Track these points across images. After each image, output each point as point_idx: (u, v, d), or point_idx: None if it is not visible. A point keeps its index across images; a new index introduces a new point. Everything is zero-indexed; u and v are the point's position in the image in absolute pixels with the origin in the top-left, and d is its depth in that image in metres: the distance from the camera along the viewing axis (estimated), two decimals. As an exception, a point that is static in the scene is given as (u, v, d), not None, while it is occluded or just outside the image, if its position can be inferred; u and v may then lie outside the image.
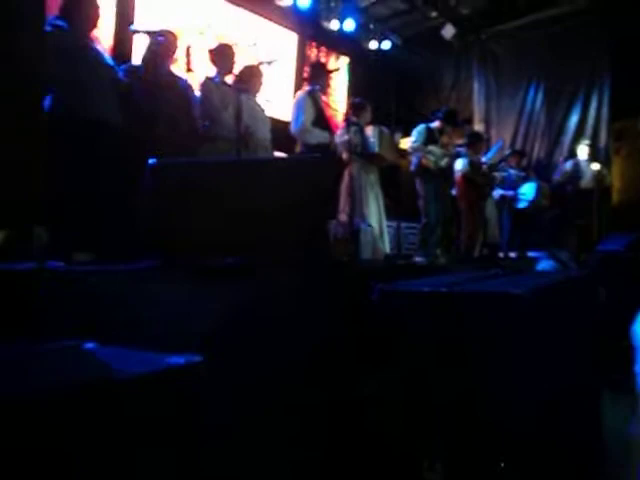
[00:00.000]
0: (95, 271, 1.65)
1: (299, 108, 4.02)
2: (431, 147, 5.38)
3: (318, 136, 4.08)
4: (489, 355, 1.58)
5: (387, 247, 5.10)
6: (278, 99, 6.92)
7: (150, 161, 1.94)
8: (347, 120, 3.93)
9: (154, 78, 3.11)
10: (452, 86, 8.55)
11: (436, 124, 5.52)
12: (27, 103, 2.66)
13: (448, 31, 7.70)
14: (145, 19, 4.94)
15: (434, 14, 7.73)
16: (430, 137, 5.41)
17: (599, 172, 6.60)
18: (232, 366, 1.38)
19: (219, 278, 1.61)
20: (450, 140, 5.73)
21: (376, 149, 4.60)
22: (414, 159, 5.46)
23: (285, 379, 1.77)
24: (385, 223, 5.17)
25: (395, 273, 3.31)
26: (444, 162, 5.41)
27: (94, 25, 3.14)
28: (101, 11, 3.13)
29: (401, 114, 8.07)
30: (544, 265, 3.90)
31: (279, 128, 4.58)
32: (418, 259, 5.53)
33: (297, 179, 1.88)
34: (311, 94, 4.09)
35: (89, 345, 1.05)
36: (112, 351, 1.00)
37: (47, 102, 2.89)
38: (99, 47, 3.23)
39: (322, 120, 4.13)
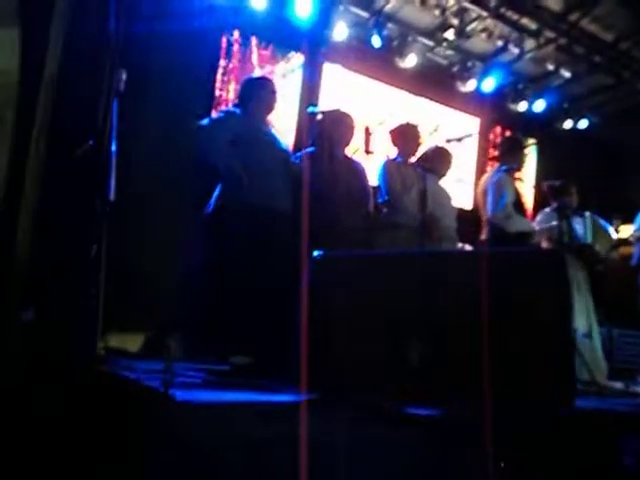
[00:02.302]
0: (227, 405, 1.21)
1: (501, 188, 3.39)
2: (661, 234, 4.29)
3: (520, 223, 3.40)
4: None
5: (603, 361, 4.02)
6: (460, 186, 6.44)
7: (314, 253, 1.52)
8: (558, 204, 3.20)
9: (328, 162, 2.84)
10: (671, 164, 7.18)
11: (668, 206, 4.43)
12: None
13: (664, 102, 6.55)
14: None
15: (645, 86, 6.68)
16: (659, 222, 4.34)
17: None
18: None
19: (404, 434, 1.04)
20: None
21: (589, 240, 3.73)
22: (637, 250, 4.40)
23: None
24: (597, 330, 4.13)
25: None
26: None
27: (270, 110, 3.01)
28: (283, 97, 3.03)
29: (605, 200, 6.93)
30: None
31: (459, 216, 4.05)
32: (643, 380, 4.31)
33: (527, 281, 1.27)
34: (509, 173, 3.47)
35: None
36: None
37: (217, 190, 2.77)
38: (274, 131, 3.10)
39: (520, 204, 3.47)
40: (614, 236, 4.52)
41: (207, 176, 2.78)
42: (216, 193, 2.76)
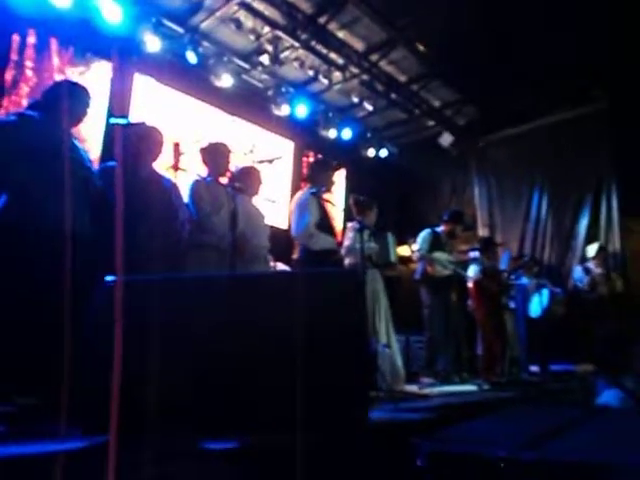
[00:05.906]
0: None
1: (303, 209, 3.52)
2: (438, 254, 4.95)
3: (323, 241, 3.57)
4: None
5: (402, 367, 4.41)
6: (273, 206, 6.63)
7: (106, 279, 1.40)
8: (360, 224, 3.45)
9: (133, 178, 2.66)
10: (451, 191, 8.39)
11: (442, 228, 5.13)
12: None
13: (445, 139, 7.64)
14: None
15: (431, 123, 7.72)
16: (436, 243, 5.00)
17: (610, 278, 6.14)
18: None
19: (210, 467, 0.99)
20: (460, 244, 5.35)
21: (392, 258, 4.13)
22: (419, 266, 5.01)
23: None
24: (394, 337, 4.53)
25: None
26: (451, 268, 4.93)
27: (79, 121, 2.69)
28: (91, 106, 2.70)
29: (400, 221, 7.79)
30: (608, 397, 3.19)
31: (274, 235, 4.14)
32: (425, 381, 4.84)
33: (320, 300, 1.33)
34: (315, 195, 3.64)
35: None
36: None
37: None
38: (78, 143, 2.77)
39: (327, 224, 3.66)
40: (406, 254, 5.08)
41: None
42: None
